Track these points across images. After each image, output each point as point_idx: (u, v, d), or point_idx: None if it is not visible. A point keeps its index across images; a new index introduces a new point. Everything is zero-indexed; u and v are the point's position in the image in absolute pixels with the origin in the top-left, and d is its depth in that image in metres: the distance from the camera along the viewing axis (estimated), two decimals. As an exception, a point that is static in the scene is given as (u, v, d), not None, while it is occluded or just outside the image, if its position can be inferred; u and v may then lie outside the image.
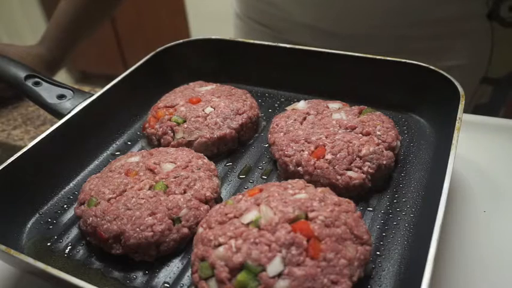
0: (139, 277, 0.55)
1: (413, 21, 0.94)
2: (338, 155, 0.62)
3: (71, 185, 0.69)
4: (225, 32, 1.28)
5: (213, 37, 0.88)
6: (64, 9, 1.09)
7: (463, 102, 0.64)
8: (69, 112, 0.70)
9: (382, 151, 0.63)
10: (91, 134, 0.73)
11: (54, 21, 1.10)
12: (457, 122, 0.61)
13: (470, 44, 0.97)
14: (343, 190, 0.60)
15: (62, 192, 0.68)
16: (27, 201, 0.64)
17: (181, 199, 0.58)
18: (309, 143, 0.64)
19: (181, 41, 0.87)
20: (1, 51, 0.92)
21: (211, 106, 0.74)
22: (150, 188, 0.60)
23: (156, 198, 0.58)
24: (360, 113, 0.70)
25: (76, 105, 0.71)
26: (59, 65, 1.10)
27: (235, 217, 0.51)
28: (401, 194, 0.63)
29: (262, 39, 1.13)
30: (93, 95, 0.74)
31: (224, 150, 0.72)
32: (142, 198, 0.58)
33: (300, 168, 0.63)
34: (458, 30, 0.95)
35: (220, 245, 0.48)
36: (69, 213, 0.64)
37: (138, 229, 0.55)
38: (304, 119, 0.70)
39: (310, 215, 0.49)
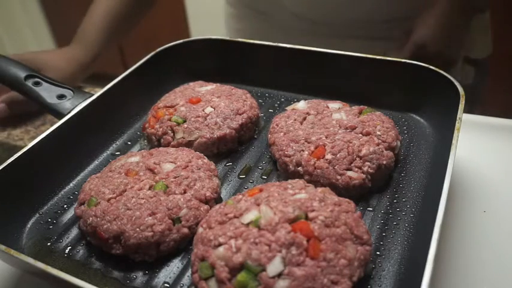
0: (139, 277, 0.55)
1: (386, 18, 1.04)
2: (338, 155, 0.62)
3: (71, 185, 0.69)
4: (225, 32, 1.28)
5: (213, 37, 0.88)
6: (101, 10, 1.07)
7: (463, 102, 0.64)
8: (69, 112, 0.70)
9: (382, 151, 0.63)
10: (91, 134, 0.73)
11: (90, 21, 1.07)
12: (457, 122, 0.61)
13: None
14: (343, 190, 0.60)
15: (62, 192, 0.68)
16: (27, 201, 0.64)
17: (181, 199, 0.58)
18: (309, 143, 0.64)
19: (181, 41, 0.87)
20: (34, 60, 0.91)
21: (211, 106, 0.74)
22: (150, 188, 0.60)
23: (156, 198, 0.58)
24: (360, 113, 0.70)
25: (76, 105, 0.71)
26: (92, 67, 1.08)
27: (235, 217, 0.51)
28: (401, 194, 0.63)
29: (252, 23, 1.16)
30: (93, 95, 0.74)
31: (224, 150, 0.72)
32: (142, 198, 0.58)
33: (300, 168, 0.63)
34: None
35: (220, 245, 0.48)
36: (69, 213, 0.64)
37: (138, 229, 0.55)
38: (304, 119, 0.70)
39: (310, 215, 0.49)
